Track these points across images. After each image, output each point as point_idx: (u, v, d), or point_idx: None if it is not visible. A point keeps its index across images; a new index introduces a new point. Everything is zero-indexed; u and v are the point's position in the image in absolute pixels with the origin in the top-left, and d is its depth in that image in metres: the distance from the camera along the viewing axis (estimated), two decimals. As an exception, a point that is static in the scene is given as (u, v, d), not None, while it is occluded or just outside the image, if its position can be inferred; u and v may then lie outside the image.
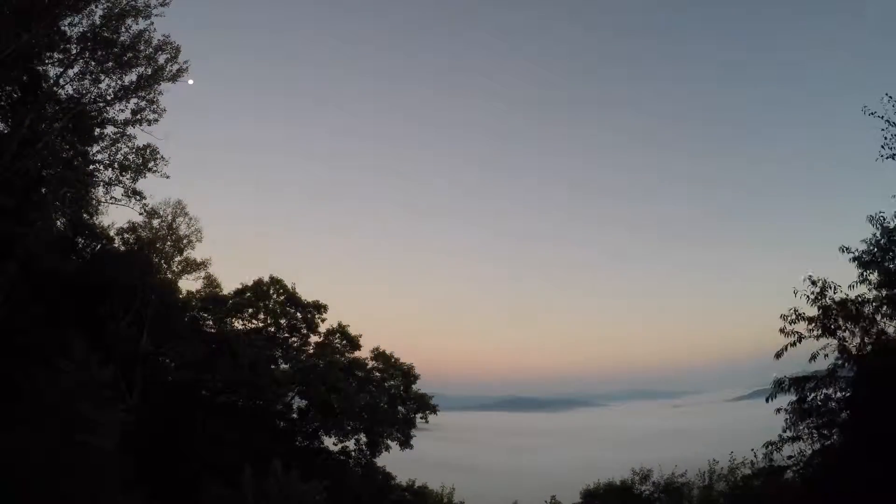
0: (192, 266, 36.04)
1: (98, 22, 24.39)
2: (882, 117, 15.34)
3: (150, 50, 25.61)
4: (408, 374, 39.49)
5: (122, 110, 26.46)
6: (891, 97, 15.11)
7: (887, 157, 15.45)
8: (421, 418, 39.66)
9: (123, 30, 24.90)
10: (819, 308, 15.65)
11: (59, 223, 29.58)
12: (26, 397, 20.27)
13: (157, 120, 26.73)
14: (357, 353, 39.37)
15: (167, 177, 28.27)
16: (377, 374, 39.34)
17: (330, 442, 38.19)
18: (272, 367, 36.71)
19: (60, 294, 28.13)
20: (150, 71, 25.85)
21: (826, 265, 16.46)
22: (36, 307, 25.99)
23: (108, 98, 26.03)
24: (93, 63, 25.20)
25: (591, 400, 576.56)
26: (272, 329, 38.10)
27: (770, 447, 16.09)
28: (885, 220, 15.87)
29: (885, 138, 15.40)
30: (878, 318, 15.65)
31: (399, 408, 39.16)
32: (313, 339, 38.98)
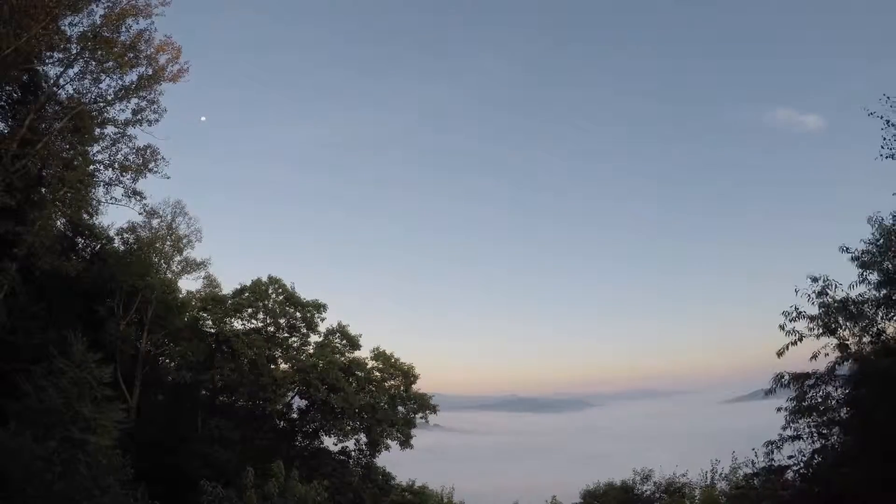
0: (191, 266, 36.11)
1: (98, 22, 24.33)
2: (881, 117, 15.39)
3: (151, 50, 25.55)
4: (408, 374, 39.48)
5: (123, 110, 26.38)
6: (889, 97, 15.18)
7: (887, 157, 15.50)
8: (421, 418, 39.68)
9: (124, 30, 24.85)
10: (820, 306, 15.68)
11: (59, 223, 29.55)
12: (26, 397, 20.27)
13: (157, 120, 26.68)
14: (357, 353, 39.43)
15: (168, 177, 28.23)
16: (377, 373, 39.33)
17: (330, 442, 38.22)
18: (272, 367, 36.73)
19: (60, 294, 28.15)
20: (150, 71, 25.80)
21: (828, 265, 16.45)
22: (36, 307, 26.01)
23: (109, 98, 25.97)
24: (93, 63, 25.15)
25: (591, 400, 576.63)
26: (272, 329, 38.11)
27: (770, 446, 16.09)
28: (882, 220, 15.96)
29: (885, 138, 15.46)
30: (878, 318, 15.69)
31: (399, 408, 39.15)
32: (313, 338, 39.03)
